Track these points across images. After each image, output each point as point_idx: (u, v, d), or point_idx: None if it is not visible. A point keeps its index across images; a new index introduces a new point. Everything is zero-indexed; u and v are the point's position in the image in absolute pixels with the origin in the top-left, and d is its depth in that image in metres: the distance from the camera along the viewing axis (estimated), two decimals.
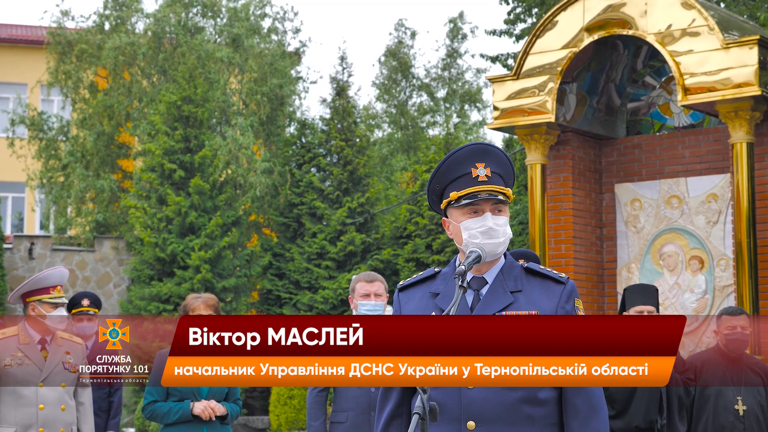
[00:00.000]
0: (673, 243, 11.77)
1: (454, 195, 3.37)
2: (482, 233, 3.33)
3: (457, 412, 3.25)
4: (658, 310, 7.21)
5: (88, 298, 9.03)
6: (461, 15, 31.35)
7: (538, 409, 3.27)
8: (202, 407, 6.48)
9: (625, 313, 7.25)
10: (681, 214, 11.75)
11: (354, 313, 6.63)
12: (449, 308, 3.12)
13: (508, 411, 3.23)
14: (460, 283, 3.16)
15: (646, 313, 7.11)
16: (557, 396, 3.32)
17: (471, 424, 3.23)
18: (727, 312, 7.55)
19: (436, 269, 3.50)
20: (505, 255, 3.46)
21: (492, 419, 3.23)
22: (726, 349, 7.49)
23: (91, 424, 6.49)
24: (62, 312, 6.36)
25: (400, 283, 3.56)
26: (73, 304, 9.02)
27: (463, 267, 3.20)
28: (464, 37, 31.47)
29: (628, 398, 7.02)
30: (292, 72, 24.70)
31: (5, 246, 20.15)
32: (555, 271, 3.43)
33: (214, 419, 6.55)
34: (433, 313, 3.35)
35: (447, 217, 3.45)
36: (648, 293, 7.23)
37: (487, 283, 3.40)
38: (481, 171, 3.36)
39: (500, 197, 3.36)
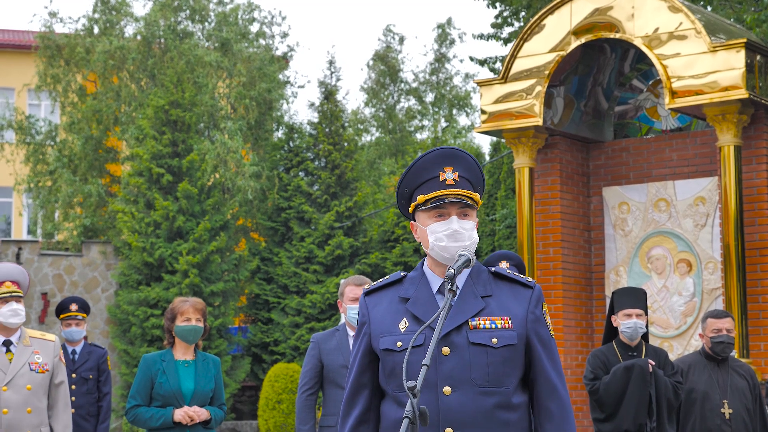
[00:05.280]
0: (661, 246, 11.79)
1: (421, 198, 3.34)
2: (448, 236, 3.30)
3: (434, 419, 3.23)
4: (646, 314, 7.22)
5: (76, 302, 9.00)
6: (449, 21, 31.38)
7: (513, 414, 3.29)
8: (182, 414, 6.44)
9: (613, 317, 7.26)
10: (669, 217, 11.77)
11: (343, 317, 6.63)
12: (440, 310, 3.11)
13: (485, 417, 3.24)
14: (449, 286, 3.14)
15: (634, 317, 7.12)
16: (528, 401, 3.37)
17: (449, 430, 3.22)
18: (713, 315, 7.54)
19: (402, 273, 3.47)
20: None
21: (469, 425, 3.23)
22: (712, 351, 7.49)
23: (66, 422, 6.29)
24: (13, 306, 6.12)
25: (365, 287, 3.52)
26: (61, 308, 9.00)
27: (452, 270, 3.17)
28: (452, 42, 31.49)
29: (617, 402, 7.01)
30: (280, 76, 24.68)
31: None
32: (522, 276, 3.43)
33: (196, 423, 6.51)
34: (404, 318, 3.33)
35: (415, 221, 3.43)
36: (636, 296, 7.23)
37: (458, 288, 3.35)
38: (449, 175, 3.33)
39: (467, 201, 3.33)
